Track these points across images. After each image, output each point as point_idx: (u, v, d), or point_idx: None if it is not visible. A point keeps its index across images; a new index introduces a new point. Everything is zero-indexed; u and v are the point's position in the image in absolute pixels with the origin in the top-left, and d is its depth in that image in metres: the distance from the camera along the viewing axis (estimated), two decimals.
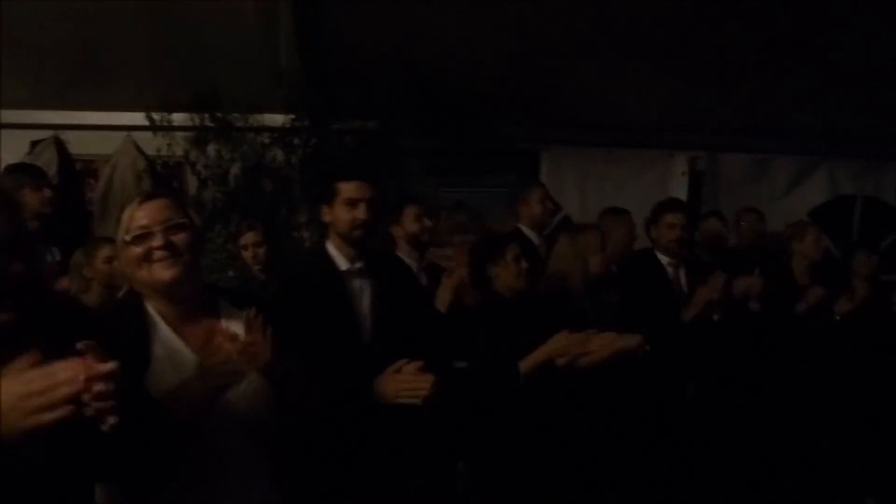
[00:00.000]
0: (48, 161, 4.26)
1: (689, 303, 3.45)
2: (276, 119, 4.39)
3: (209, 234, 4.16)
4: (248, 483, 1.65)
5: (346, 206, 2.31)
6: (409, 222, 3.36)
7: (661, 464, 3.36)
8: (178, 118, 4.28)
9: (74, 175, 4.48)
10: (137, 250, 1.65)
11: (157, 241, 1.63)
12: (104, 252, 3.10)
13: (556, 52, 4.14)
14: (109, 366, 1.04)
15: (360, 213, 2.31)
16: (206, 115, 4.27)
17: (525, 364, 2.72)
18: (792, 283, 4.00)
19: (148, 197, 1.72)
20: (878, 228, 5.08)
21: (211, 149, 4.34)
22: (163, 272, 1.64)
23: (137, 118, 4.30)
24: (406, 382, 2.12)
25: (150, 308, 1.69)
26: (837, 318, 3.87)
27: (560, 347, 2.72)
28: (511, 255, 2.92)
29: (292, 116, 4.33)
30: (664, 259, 3.60)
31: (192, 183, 4.42)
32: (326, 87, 4.21)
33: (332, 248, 2.38)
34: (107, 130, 4.43)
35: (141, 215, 1.66)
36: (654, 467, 3.34)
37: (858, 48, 4.08)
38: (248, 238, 3.65)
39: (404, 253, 3.39)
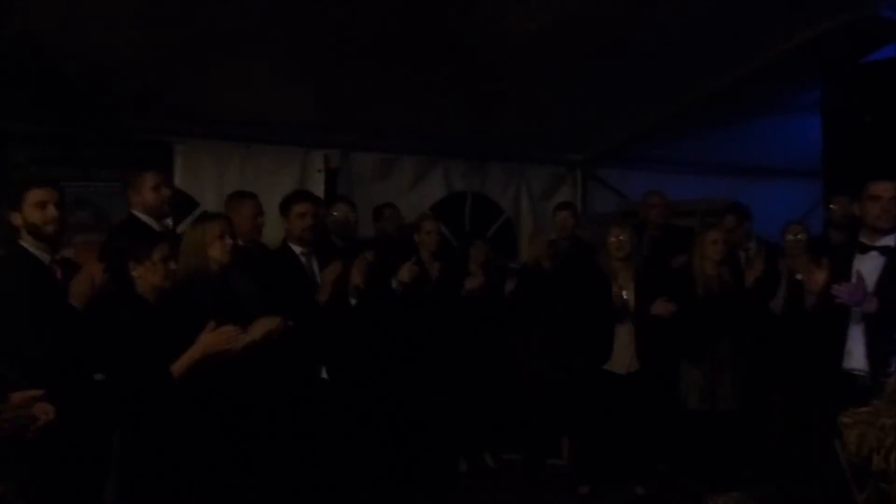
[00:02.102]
0: None
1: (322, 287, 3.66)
2: None
3: None
4: None
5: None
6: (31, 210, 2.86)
7: (304, 445, 3.49)
8: None
9: None
10: None
11: None
12: None
13: (193, 43, 3.96)
14: None
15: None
16: None
17: (177, 367, 2.67)
18: (423, 268, 4.52)
19: None
20: (484, 220, 5.93)
21: None
22: None
23: None
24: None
25: None
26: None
27: (211, 344, 2.71)
28: (159, 256, 2.80)
29: None
30: (297, 249, 3.72)
31: None
32: None
33: None
34: None
35: None
36: (298, 448, 3.46)
37: (467, 66, 4.70)
38: None
39: (30, 244, 2.93)
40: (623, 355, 4.21)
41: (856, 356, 3.22)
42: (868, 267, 3.23)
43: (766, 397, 4.41)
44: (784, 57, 5.17)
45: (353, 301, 3.84)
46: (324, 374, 3.71)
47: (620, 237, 4.24)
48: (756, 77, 5.40)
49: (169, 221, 3.75)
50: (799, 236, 4.61)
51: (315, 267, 3.77)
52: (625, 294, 4.19)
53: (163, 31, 3.81)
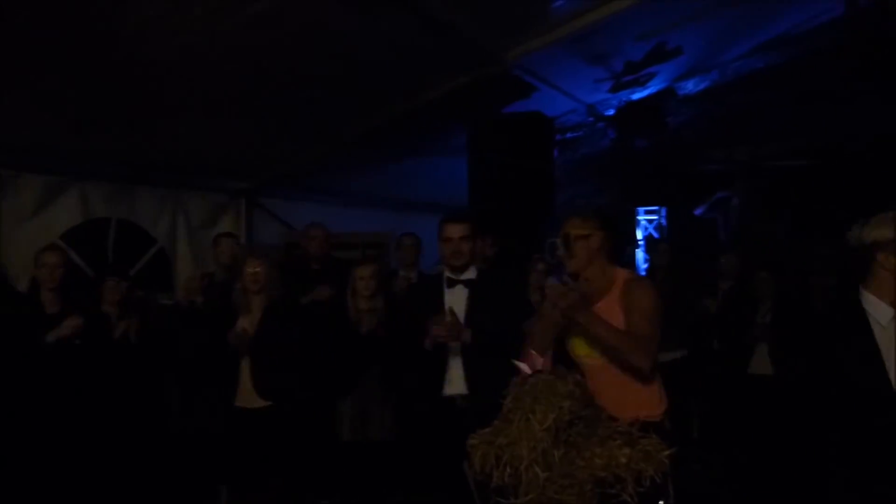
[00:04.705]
0: None
1: None
2: None
3: None
4: None
5: None
6: None
7: None
8: None
9: None
10: None
11: None
12: None
13: None
14: None
15: None
16: None
17: None
18: (42, 311, 3.88)
19: None
20: (133, 250, 5.31)
21: None
22: None
23: None
24: None
25: None
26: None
27: None
28: None
29: None
30: None
31: None
32: None
33: None
34: None
35: None
36: None
37: (113, 76, 4.17)
38: None
39: None
40: (251, 389, 3.99)
41: (455, 382, 3.44)
42: (456, 299, 3.50)
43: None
44: (432, 103, 5.59)
45: None
46: None
47: (256, 269, 4.05)
48: (410, 120, 5.75)
49: None
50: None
51: None
52: (246, 327, 3.98)
53: None
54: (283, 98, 5.00)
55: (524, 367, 2.58)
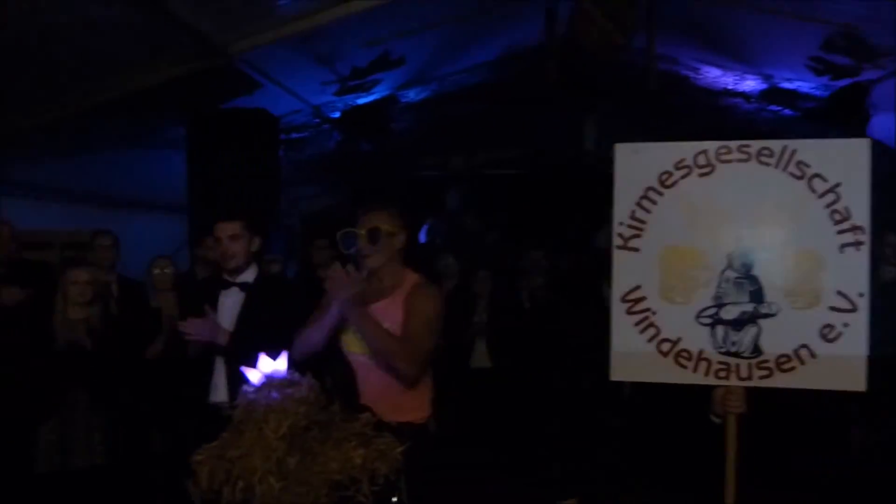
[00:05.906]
0: None
1: None
2: None
3: None
4: None
5: None
6: None
7: None
8: None
9: None
10: None
11: None
12: None
13: None
14: None
15: None
16: None
17: None
18: None
19: None
20: None
21: None
22: None
23: None
24: None
25: None
26: None
27: None
28: None
29: None
30: None
31: None
32: None
33: None
34: None
35: None
36: None
37: None
38: None
39: None
40: None
41: (220, 389, 3.29)
42: (230, 302, 3.34)
43: (143, 443, 4.24)
44: (146, 92, 5.10)
45: None
46: None
47: None
48: (117, 108, 5.19)
49: None
50: (166, 270, 4.61)
51: None
52: None
53: None
54: None
55: (255, 374, 2.45)
